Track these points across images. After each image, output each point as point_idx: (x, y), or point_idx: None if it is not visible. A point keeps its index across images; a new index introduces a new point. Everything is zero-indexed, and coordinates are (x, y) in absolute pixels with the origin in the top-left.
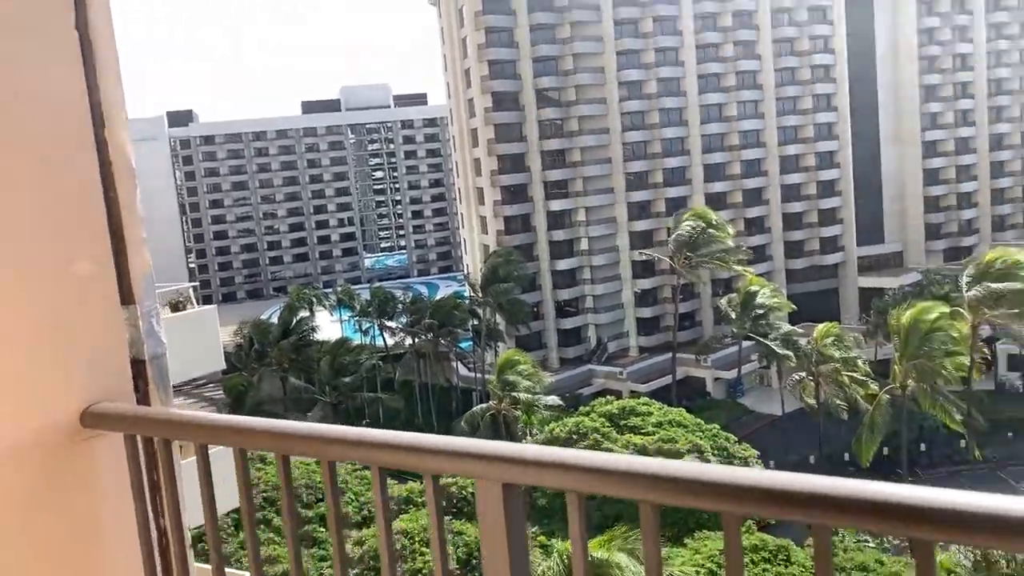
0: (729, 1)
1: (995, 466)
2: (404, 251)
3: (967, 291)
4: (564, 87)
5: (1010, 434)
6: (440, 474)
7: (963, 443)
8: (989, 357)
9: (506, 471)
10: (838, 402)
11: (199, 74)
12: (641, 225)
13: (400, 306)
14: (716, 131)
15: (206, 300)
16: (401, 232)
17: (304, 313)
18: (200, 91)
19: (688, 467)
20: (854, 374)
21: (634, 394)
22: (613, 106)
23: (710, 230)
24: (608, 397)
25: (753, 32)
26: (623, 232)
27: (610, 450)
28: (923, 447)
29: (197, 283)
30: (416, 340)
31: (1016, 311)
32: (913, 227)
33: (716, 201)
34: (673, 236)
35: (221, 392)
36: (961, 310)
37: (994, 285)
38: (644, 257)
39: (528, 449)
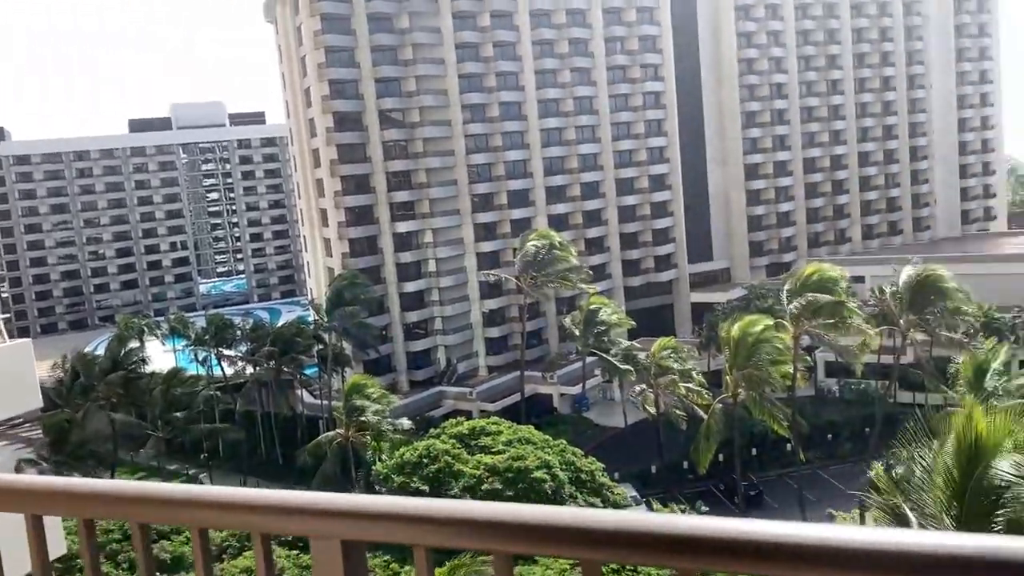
0: (565, 29)
1: (817, 467)
2: (243, 276)
3: (788, 304)
4: (408, 108)
5: (829, 436)
6: (269, 533)
7: (789, 447)
8: (811, 364)
9: (345, 526)
10: (678, 412)
11: (12, 91)
12: (488, 246)
13: (239, 333)
14: (557, 154)
15: (22, 332)
16: (239, 256)
17: (134, 343)
18: (14, 108)
19: (544, 512)
20: (690, 385)
21: (484, 413)
22: (457, 128)
23: (554, 250)
24: (459, 418)
25: (589, 60)
26: (470, 253)
27: (461, 472)
28: (754, 452)
29: (11, 314)
30: (257, 368)
31: (832, 321)
32: (739, 245)
33: (558, 222)
34: (519, 256)
35: (40, 432)
36: (784, 322)
37: (811, 297)
38: (492, 278)
39: (369, 501)
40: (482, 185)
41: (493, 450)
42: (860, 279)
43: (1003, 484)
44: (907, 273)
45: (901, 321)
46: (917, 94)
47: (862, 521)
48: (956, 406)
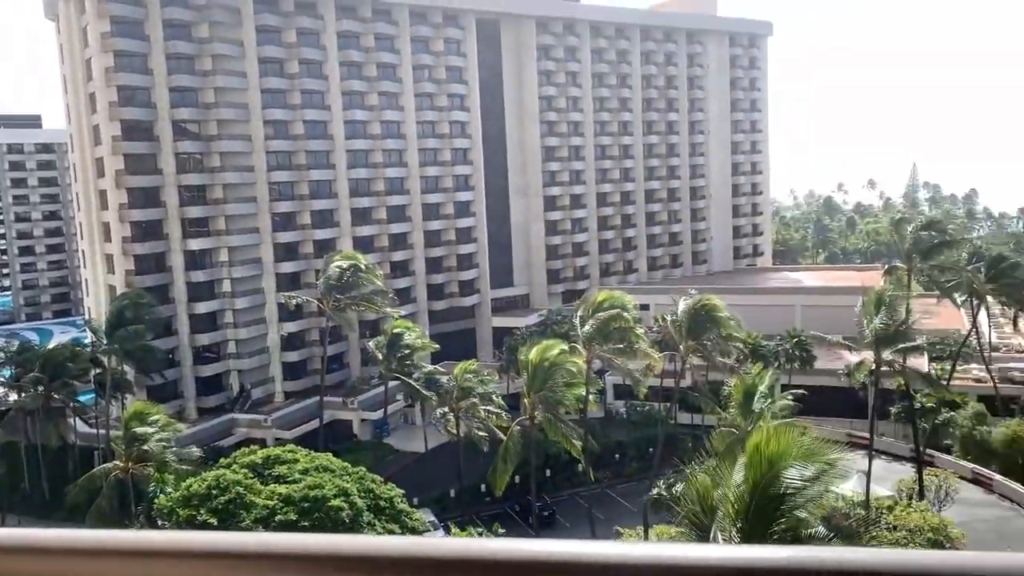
0: (373, 53)
1: (605, 485)
2: (9, 292)
3: (581, 329)
4: (205, 120)
5: (617, 456)
6: None
7: (580, 467)
8: (602, 387)
9: (114, 566)
10: (481, 434)
11: None
12: (289, 267)
13: (3, 356)
14: (363, 176)
15: None
16: (6, 271)
17: None
18: None
19: (331, 541)
20: (490, 408)
21: (280, 441)
22: (258, 144)
23: (360, 273)
24: (252, 447)
25: (397, 85)
26: (269, 273)
27: (253, 503)
28: (548, 473)
29: None
30: (23, 395)
31: (621, 346)
32: (537, 272)
33: (364, 244)
34: (323, 278)
35: None
36: (577, 346)
37: (600, 323)
38: (293, 300)
39: (142, 536)
40: (284, 203)
41: (288, 479)
42: (646, 307)
43: (787, 492)
44: (685, 303)
45: (681, 347)
46: (697, 139)
47: (646, 536)
48: (729, 427)
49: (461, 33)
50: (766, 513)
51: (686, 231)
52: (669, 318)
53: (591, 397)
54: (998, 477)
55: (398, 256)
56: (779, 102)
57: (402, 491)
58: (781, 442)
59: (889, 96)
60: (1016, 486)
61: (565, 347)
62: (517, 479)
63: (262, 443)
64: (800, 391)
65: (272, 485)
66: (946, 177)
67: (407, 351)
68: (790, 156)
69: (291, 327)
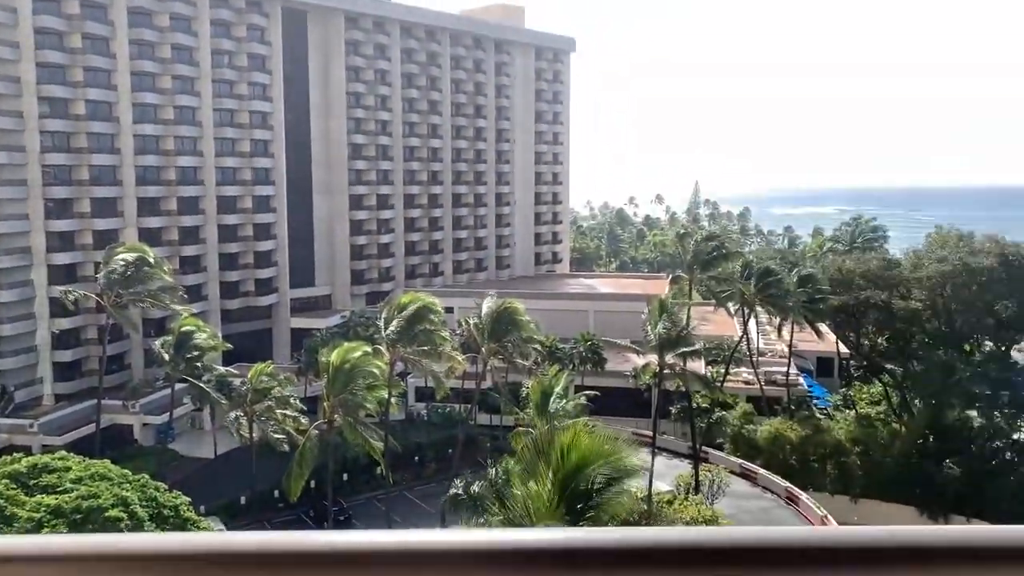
0: (168, 33)
1: (404, 488)
2: None
3: (385, 331)
4: None
5: (416, 458)
6: None
7: (379, 470)
8: (404, 390)
9: None
10: (278, 436)
11: None
12: (64, 258)
13: None
14: (152, 163)
15: None
16: None
17: None
18: None
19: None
20: (287, 411)
21: (48, 448)
22: (31, 122)
23: (145, 267)
24: (15, 455)
25: (193, 69)
26: (40, 265)
27: (16, 515)
28: (346, 477)
29: None
30: None
31: (424, 348)
32: (341, 272)
33: (151, 237)
34: (104, 272)
35: None
36: (381, 348)
37: (405, 325)
38: (72, 296)
39: None
40: (60, 188)
41: (59, 489)
42: (450, 310)
43: (596, 488)
44: (488, 306)
45: (483, 349)
46: (503, 146)
47: None
48: (527, 427)
49: (265, 20)
50: (574, 510)
51: (491, 236)
52: (472, 321)
53: (393, 399)
54: (762, 471)
55: (189, 251)
56: (601, 112)
57: (188, 499)
58: (587, 443)
59: (708, 105)
60: (777, 479)
61: (368, 349)
62: (313, 484)
63: (27, 450)
64: (592, 392)
65: (39, 496)
66: (741, 182)
67: (197, 352)
68: (611, 164)
69: (65, 323)
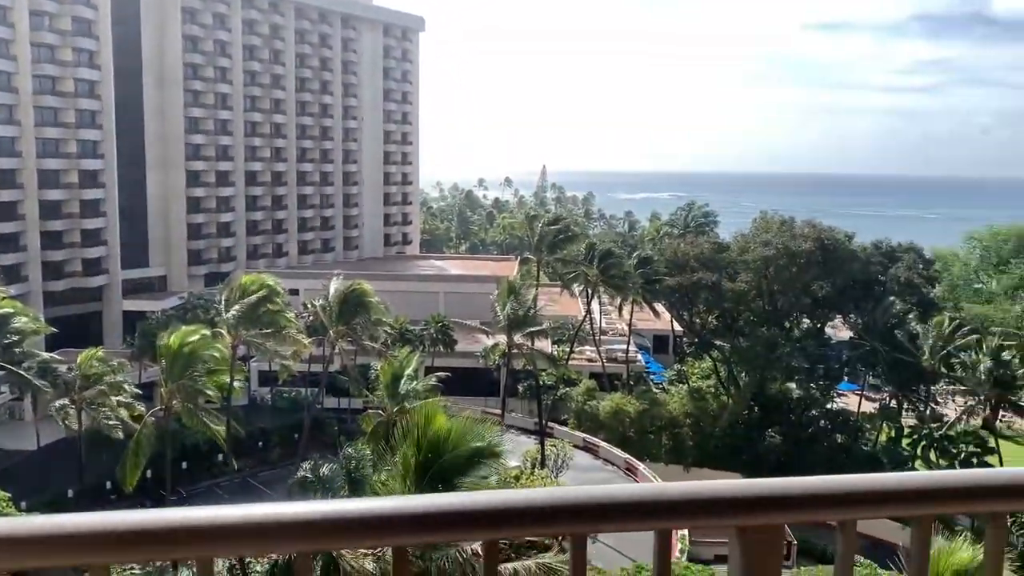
0: None
1: (247, 474)
2: None
3: (226, 313)
4: None
5: (261, 444)
6: None
7: (221, 457)
8: (247, 374)
9: None
10: (110, 424)
11: None
12: None
13: None
14: None
15: None
16: None
17: None
18: None
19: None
20: (121, 398)
21: None
22: None
23: None
24: None
25: (8, 30)
26: None
27: None
28: (185, 465)
29: None
30: None
31: (268, 331)
32: (177, 252)
33: None
34: None
35: None
36: (222, 331)
37: (248, 307)
38: None
39: None
40: None
41: None
42: (295, 292)
43: (455, 469)
44: (336, 287)
45: (331, 331)
46: (350, 124)
47: None
48: (376, 409)
49: None
50: (435, 490)
51: (338, 216)
52: (319, 303)
53: (236, 384)
54: (604, 444)
55: (6, 228)
56: (449, 91)
57: (7, 495)
58: (449, 425)
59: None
60: (616, 451)
61: (208, 332)
62: (150, 473)
63: None
64: (443, 372)
65: None
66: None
67: (15, 337)
68: (461, 144)
69: None
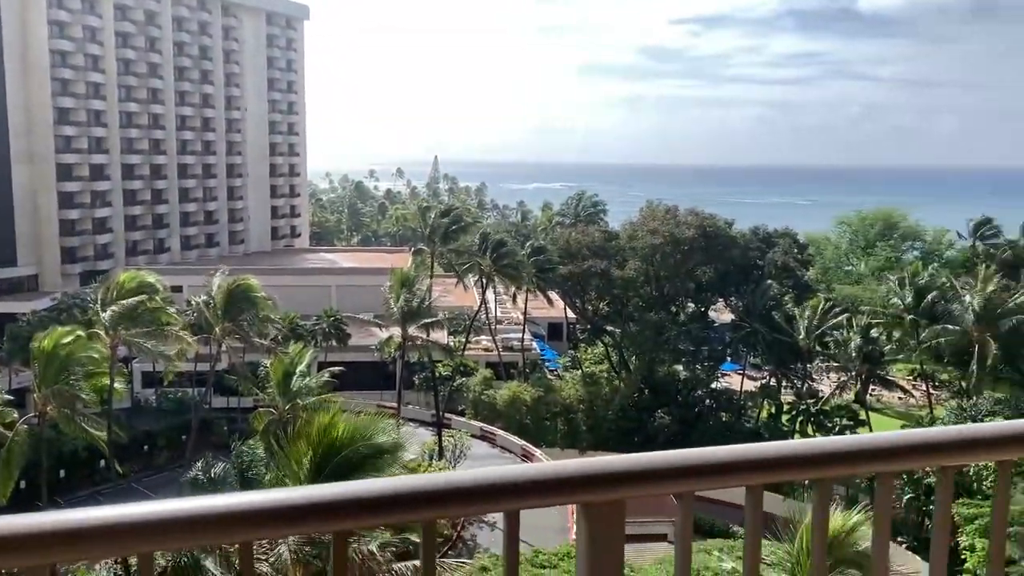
0: None
1: (133, 479)
2: None
3: (103, 313)
4: None
5: (146, 447)
6: None
7: (103, 462)
8: (129, 375)
9: None
10: None
11: None
12: None
13: None
14: None
15: None
16: None
17: None
18: None
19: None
20: None
21: None
22: None
23: None
24: None
25: None
26: None
27: None
28: (63, 473)
29: None
30: None
31: (151, 330)
32: (49, 250)
33: None
34: None
35: None
36: (99, 332)
37: (126, 306)
38: None
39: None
40: None
41: None
42: (179, 289)
43: (354, 464)
44: (220, 283)
45: (217, 329)
46: (233, 114)
47: None
48: (268, 407)
49: None
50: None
51: (223, 210)
52: (202, 299)
53: (117, 386)
54: (501, 432)
55: None
56: (336, 81)
57: None
58: (344, 421)
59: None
60: (513, 439)
61: (84, 333)
62: (23, 484)
63: None
64: (337, 367)
65: None
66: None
67: None
68: (350, 134)
69: None
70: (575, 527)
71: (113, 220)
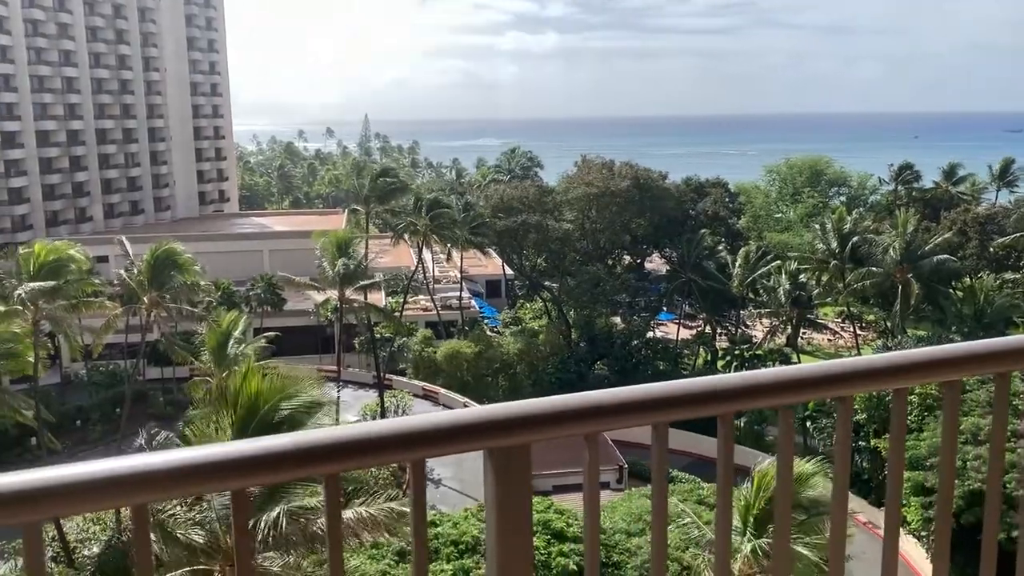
0: None
1: (67, 455)
2: None
3: (22, 287)
4: None
5: (78, 422)
6: None
7: (34, 440)
8: (54, 350)
9: None
10: None
11: None
12: None
13: None
14: None
15: None
16: None
17: None
18: None
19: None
20: None
21: None
22: None
23: None
24: None
25: None
26: None
27: None
28: None
29: None
30: None
31: (73, 303)
32: None
33: None
34: None
35: None
36: (19, 307)
37: (44, 279)
38: None
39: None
40: None
41: None
42: (104, 259)
43: (278, 424)
44: (144, 251)
45: (145, 298)
46: (152, 76)
47: None
48: (203, 375)
49: None
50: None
51: (146, 175)
52: (129, 269)
53: (41, 363)
54: (443, 391)
55: None
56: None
57: None
58: (263, 382)
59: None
60: (455, 396)
61: (2, 309)
62: None
63: None
64: (273, 333)
65: None
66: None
67: None
68: (287, 87)
69: None
70: (484, 472)
71: (30, 189)
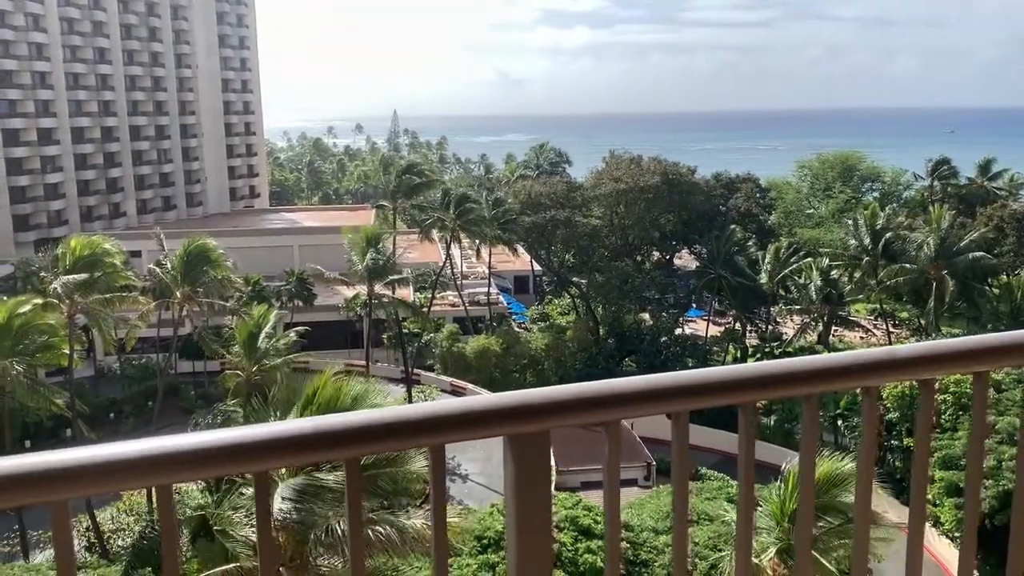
0: None
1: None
2: None
3: (59, 280)
4: None
5: (111, 415)
6: None
7: (69, 431)
8: (90, 343)
9: None
10: None
11: None
12: None
13: None
14: None
15: None
16: None
17: None
18: None
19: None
20: None
21: None
22: None
23: None
24: None
25: None
26: None
27: None
28: (28, 444)
29: None
30: None
31: (108, 297)
32: (0, 218)
33: None
34: None
35: None
36: (55, 301)
37: (83, 272)
38: None
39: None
40: None
41: None
42: (137, 254)
43: None
44: (178, 247)
45: (178, 293)
46: (184, 73)
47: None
48: (235, 369)
49: None
50: None
51: (178, 171)
52: (164, 263)
53: (76, 355)
54: (470, 385)
55: None
56: (272, 41)
57: None
58: (335, 387)
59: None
60: (483, 391)
61: (40, 302)
62: None
63: None
64: (304, 327)
65: None
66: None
67: None
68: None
69: None
70: (503, 459)
71: (65, 185)
